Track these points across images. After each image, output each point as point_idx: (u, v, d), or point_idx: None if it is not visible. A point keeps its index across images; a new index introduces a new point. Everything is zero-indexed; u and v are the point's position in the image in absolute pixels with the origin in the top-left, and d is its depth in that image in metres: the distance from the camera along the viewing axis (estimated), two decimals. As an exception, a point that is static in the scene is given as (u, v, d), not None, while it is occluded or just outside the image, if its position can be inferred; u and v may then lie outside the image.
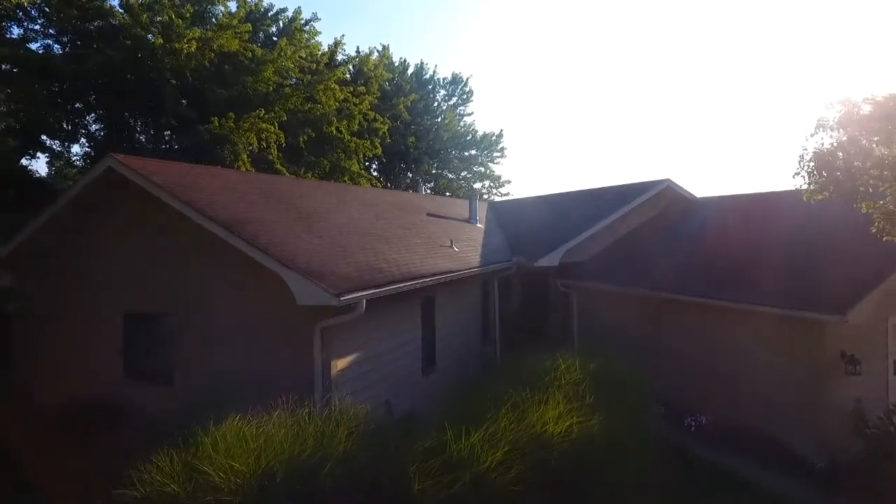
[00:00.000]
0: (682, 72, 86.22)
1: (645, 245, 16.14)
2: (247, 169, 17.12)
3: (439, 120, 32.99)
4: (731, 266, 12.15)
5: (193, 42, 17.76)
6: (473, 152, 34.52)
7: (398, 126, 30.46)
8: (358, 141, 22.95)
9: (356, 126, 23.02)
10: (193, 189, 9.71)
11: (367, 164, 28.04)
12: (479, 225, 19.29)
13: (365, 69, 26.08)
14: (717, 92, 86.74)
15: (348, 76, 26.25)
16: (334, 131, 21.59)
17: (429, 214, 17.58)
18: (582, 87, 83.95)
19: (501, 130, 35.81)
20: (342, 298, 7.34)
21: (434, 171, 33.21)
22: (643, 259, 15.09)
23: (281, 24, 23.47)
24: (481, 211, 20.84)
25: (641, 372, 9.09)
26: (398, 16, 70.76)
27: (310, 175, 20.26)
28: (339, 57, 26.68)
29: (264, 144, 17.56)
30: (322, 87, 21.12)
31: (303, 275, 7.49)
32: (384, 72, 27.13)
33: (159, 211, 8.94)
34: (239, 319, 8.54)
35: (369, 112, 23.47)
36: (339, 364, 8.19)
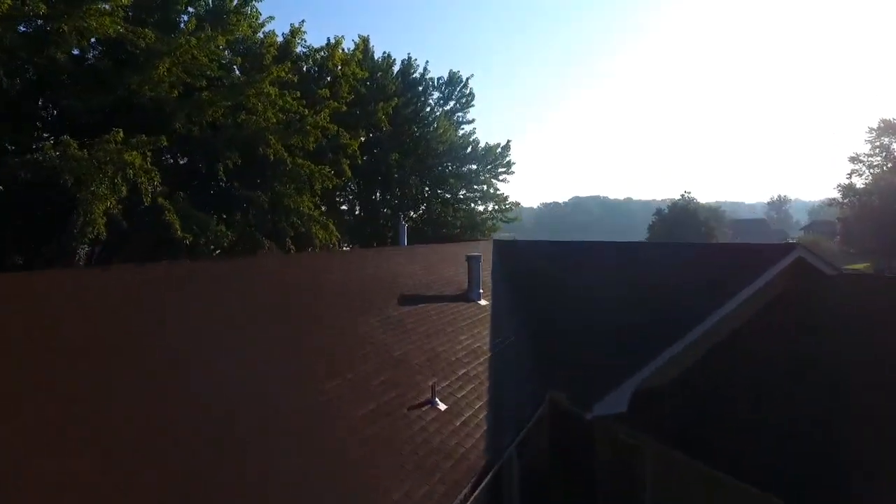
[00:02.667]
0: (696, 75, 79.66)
1: (768, 358, 9.48)
2: (99, 235, 10.37)
3: (432, 129, 26.36)
4: None
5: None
6: (474, 167, 27.80)
7: (378, 138, 23.75)
8: (313, 167, 16.31)
9: (312, 144, 16.42)
10: None
11: (333, 194, 21.40)
12: (481, 302, 12.65)
13: (330, 65, 19.46)
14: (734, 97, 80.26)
15: (306, 73, 19.56)
16: (275, 154, 14.94)
17: (402, 300, 10.99)
18: (589, 94, 77.33)
19: (508, 142, 28.76)
20: None
21: (426, 192, 26.51)
22: (778, 390, 8.51)
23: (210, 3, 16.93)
24: (484, 270, 14.23)
25: None
26: (391, 13, 64.11)
27: (222, 231, 13.26)
28: (299, 49, 20.14)
29: (123, 190, 10.67)
30: (253, 91, 14.52)
31: None
32: (358, 69, 20.51)
33: None
34: None
35: (329, 126, 16.78)
36: None
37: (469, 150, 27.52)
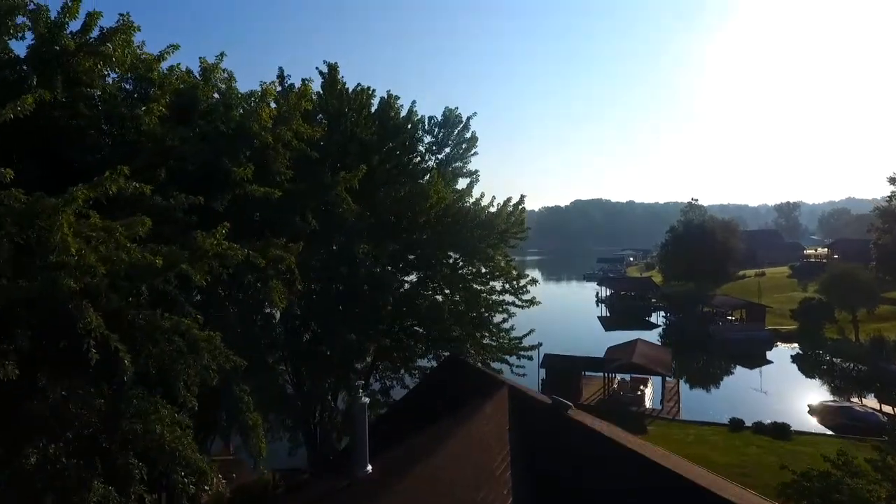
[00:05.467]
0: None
1: None
2: None
3: (421, 182, 19.08)
4: None
5: None
6: (479, 233, 20.49)
7: (341, 219, 16.36)
8: (199, 336, 9.04)
9: (201, 279, 9.24)
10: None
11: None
12: None
13: (255, 128, 12.10)
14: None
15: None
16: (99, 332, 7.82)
17: None
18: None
19: (522, 196, 21.48)
20: None
21: (406, 285, 19.39)
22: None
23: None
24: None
25: None
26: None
27: None
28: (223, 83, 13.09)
29: None
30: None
31: None
32: (307, 128, 13.15)
33: None
34: None
35: (231, 251, 9.50)
36: None
37: (472, 210, 20.06)
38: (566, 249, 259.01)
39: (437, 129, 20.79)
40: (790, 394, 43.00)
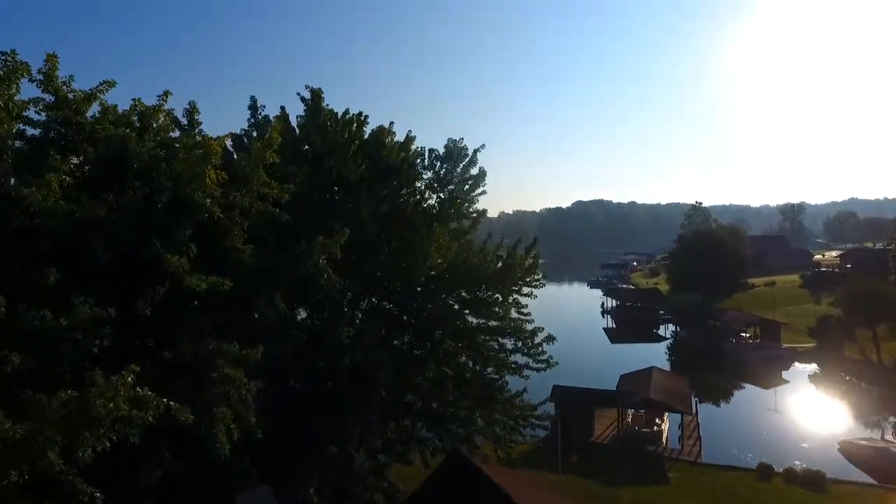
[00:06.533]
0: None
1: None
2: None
3: (421, 233, 16.04)
4: None
5: None
6: (486, 292, 17.44)
7: (320, 296, 13.15)
8: None
9: (91, 455, 6.27)
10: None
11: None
12: None
13: (197, 196, 9.08)
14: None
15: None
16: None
17: None
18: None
19: (535, 239, 18.47)
20: None
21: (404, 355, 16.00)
22: None
23: None
24: None
25: None
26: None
27: None
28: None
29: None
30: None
31: None
32: (276, 189, 10.25)
33: None
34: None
35: (140, 403, 6.59)
36: None
37: (479, 269, 17.00)
38: (568, 252, 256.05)
39: (438, 164, 17.76)
40: (815, 422, 40.38)
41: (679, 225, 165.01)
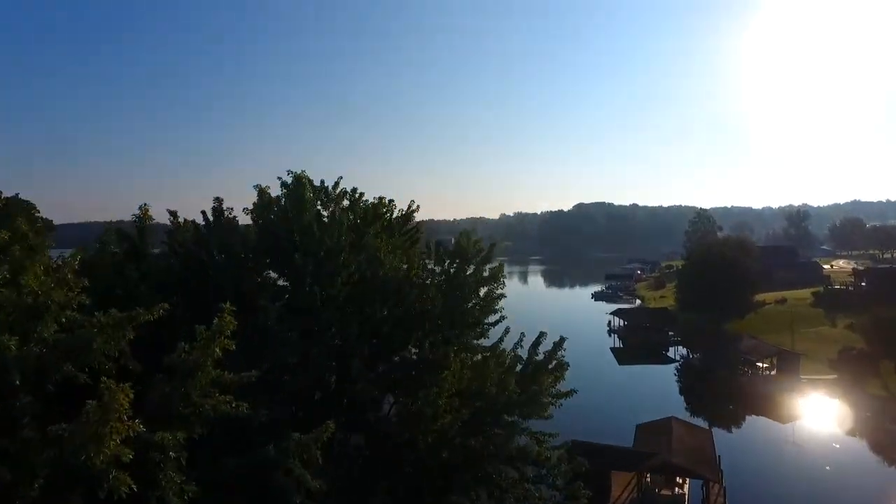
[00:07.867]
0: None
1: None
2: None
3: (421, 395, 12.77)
4: None
5: None
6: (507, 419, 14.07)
7: None
8: None
9: None
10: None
11: None
12: None
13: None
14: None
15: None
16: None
17: None
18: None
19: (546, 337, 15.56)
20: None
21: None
22: None
23: None
24: None
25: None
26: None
27: None
28: None
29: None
30: None
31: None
32: (216, 400, 7.43)
33: None
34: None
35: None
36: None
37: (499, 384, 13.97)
38: (569, 256, 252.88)
39: (445, 262, 14.70)
40: (849, 468, 37.84)
41: (682, 231, 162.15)
